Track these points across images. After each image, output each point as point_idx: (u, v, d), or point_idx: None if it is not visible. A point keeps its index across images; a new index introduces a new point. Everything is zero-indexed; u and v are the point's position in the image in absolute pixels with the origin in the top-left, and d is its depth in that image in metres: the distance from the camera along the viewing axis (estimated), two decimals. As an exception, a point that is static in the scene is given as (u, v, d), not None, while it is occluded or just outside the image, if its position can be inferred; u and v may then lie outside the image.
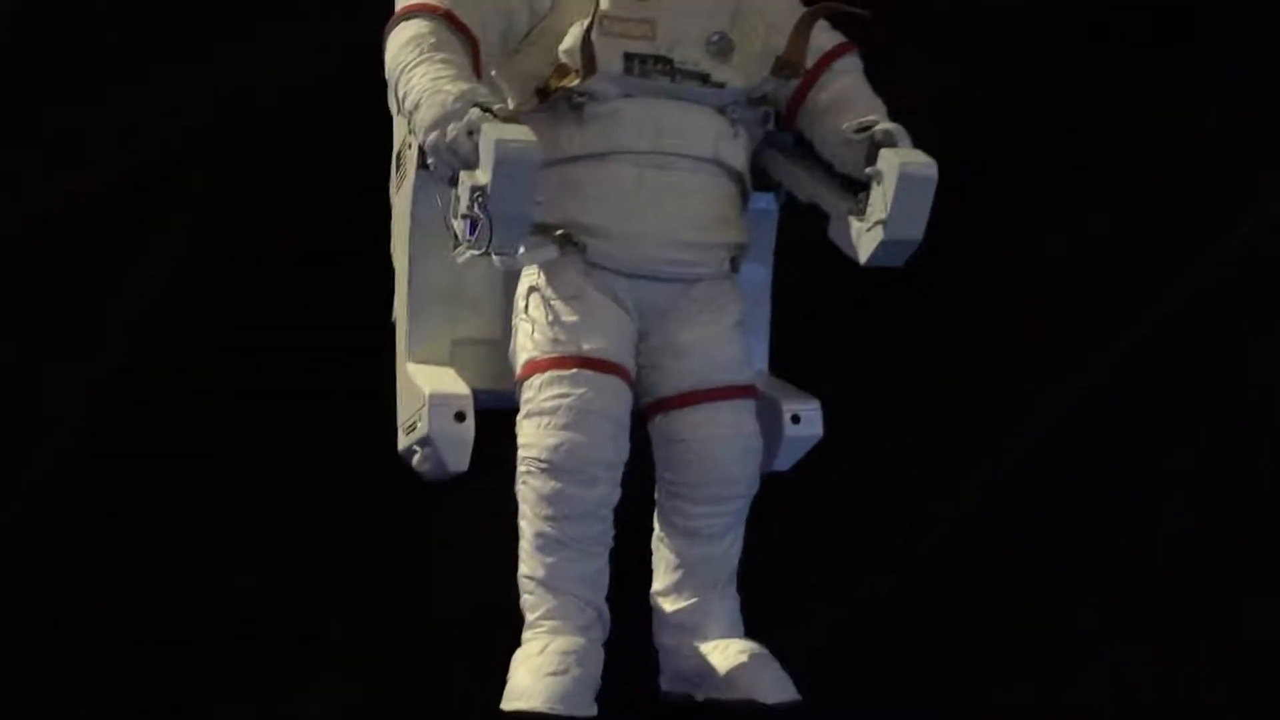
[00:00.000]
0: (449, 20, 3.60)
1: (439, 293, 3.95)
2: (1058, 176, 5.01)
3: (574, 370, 3.64)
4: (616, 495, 3.68)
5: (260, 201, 4.88)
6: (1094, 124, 5.04)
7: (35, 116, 4.85)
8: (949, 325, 4.98)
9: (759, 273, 4.19)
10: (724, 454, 3.79)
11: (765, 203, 4.16)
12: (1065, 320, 4.92)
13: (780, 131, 4.00)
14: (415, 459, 3.83)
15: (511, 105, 3.73)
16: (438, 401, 3.73)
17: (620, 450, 3.67)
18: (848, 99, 3.84)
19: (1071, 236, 5.01)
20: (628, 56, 3.69)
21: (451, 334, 3.97)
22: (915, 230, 3.59)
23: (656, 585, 3.90)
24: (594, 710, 3.54)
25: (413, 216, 3.87)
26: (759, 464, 3.88)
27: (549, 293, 3.71)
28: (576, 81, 3.63)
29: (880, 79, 3.92)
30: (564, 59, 3.68)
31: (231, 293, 4.86)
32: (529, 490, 3.65)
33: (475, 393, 3.77)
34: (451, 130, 3.38)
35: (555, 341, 3.67)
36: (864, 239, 3.66)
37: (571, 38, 3.66)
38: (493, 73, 3.74)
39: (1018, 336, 4.92)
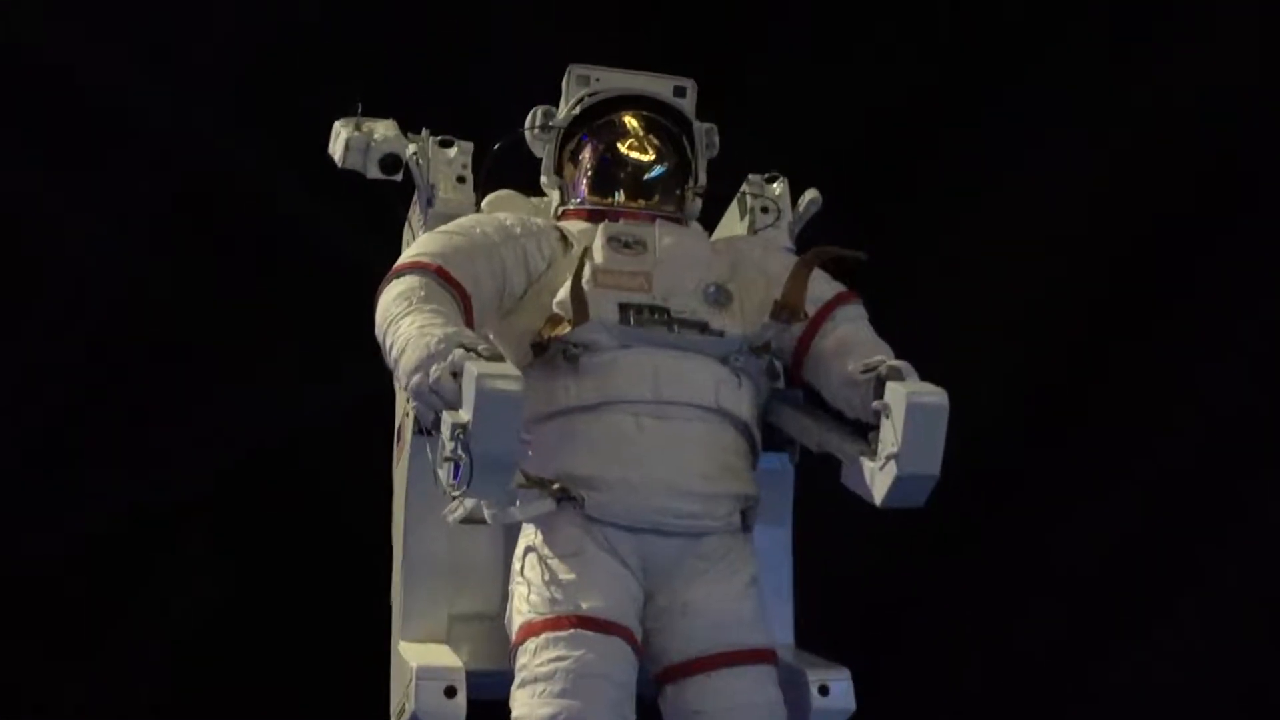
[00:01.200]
0: (440, 275, 3.52)
1: (435, 564, 3.75)
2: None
3: (571, 631, 3.39)
4: None
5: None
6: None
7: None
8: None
9: (777, 535, 3.96)
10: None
11: (780, 463, 3.96)
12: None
13: (790, 388, 3.85)
14: None
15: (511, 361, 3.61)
16: (425, 675, 3.48)
17: (622, 718, 3.39)
18: (852, 343, 3.68)
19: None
20: (623, 307, 3.59)
21: (450, 608, 3.74)
22: (930, 464, 3.37)
23: None
24: None
25: (408, 484, 3.72)
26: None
27: (546, 551, 3.49)
28: (568, 329, 3.51)
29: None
30: (556, 309, 3.57)
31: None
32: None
33: (477, 674, 3.53)
34: (435, 371, 3.24)
35: (552, 602, 3.44)
36: (878, 478, 3.44)
37: (564, 289, 3.57)
38: (490, 335, 3.63)
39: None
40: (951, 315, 5.02)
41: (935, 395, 3.38)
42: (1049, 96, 5.38)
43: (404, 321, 3.38)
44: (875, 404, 3.43)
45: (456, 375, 3.20)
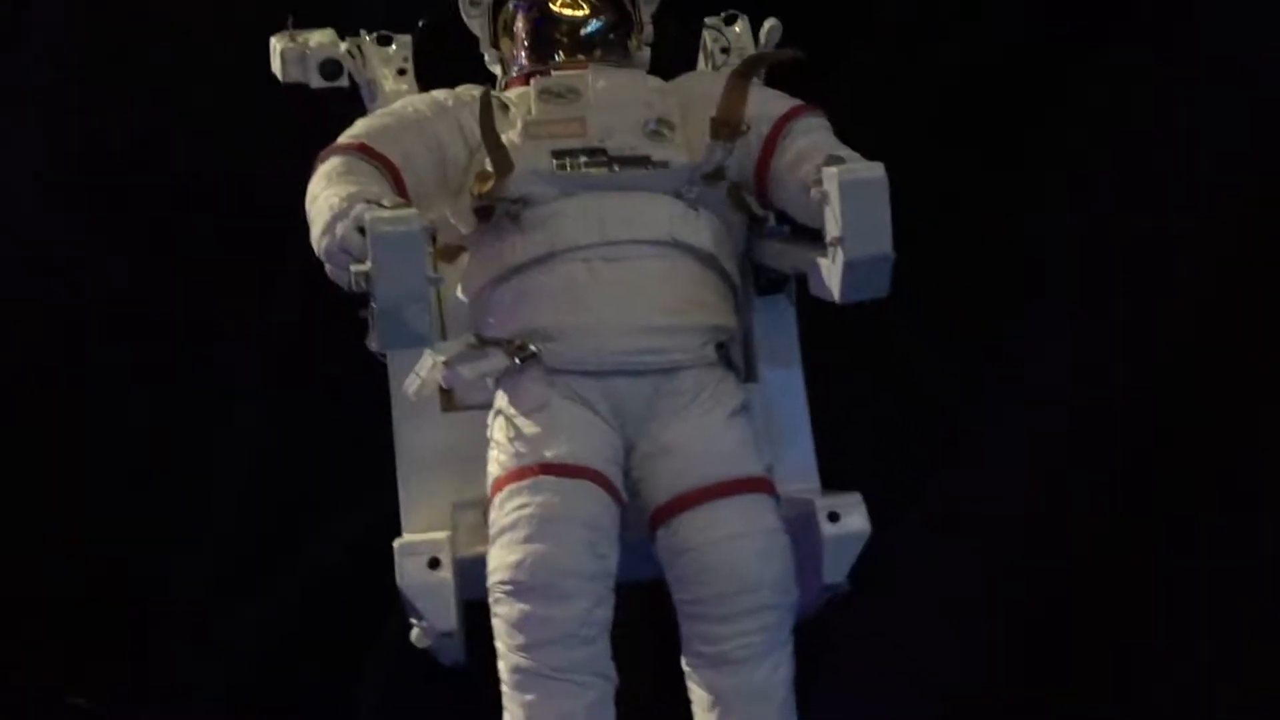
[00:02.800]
0: (363, 151, 3.48)
1: (431, 454, 3.68)
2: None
3: (533, 479, 3.29)
4: (603, 613, 3.25)
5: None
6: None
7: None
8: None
9: (788, 378, 3.81)
10: (739, 556, 3.32)
11: (779, 304, 3.83)
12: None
13: (779, 225, 3.67)
14: (416, 636, 3.48)
15: (465, 232, 3.55)
16: (405, 550, 3.42)
17: (600, 559, 3.26)
18: (809, 152, 3.47)
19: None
20: (557, 154, 3.49)
21: (454, 497, 3.64)
22: (878, 243, 3.19)
23: None
24: None
25: (390, 375, 3.67)
26: (790, 568, 3.38)
27: (511, 411, 3.41)
28: (491, 184, 3.42)
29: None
30: (475, 183, 3.47)
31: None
32: (499, 621, 3.26)
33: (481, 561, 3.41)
34: (339, 229, 3.20)
35: (517, 455, 3.35)
36: (832, 272, 3.26)
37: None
38: (447, 212, 3.58)
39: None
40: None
41: (869, 169, 3.20)
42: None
43: (320, 197, 3.34)
44: (813, 193, 3.26)
45: (362, 230, 3.13)
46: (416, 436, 3.68)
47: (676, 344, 3.42)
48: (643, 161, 3.50)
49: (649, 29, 3.82)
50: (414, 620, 3.47)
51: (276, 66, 3.90)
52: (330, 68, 3.87)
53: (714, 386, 3.45)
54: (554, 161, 3.48)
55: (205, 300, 4.98)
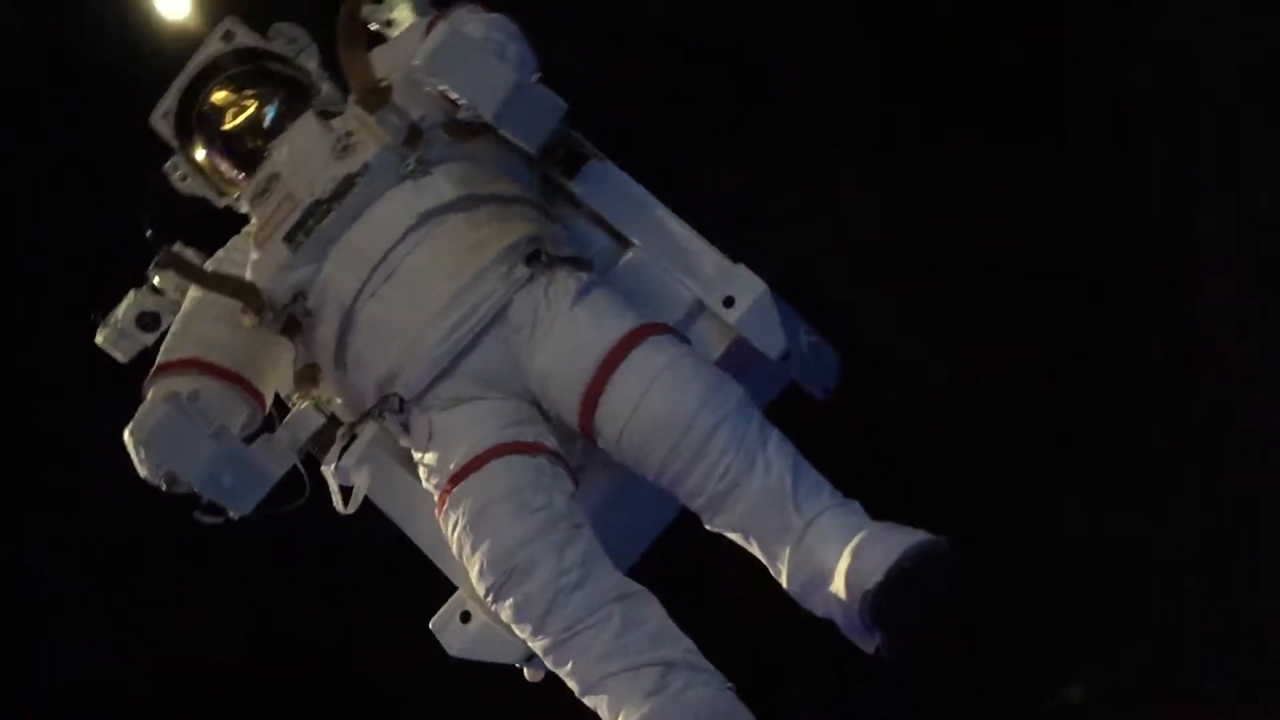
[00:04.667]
0: (160, 373, 3.64)
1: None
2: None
3: (449, 497, 3.32)
4: (574, 554, 3.22)
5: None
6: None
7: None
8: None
9: (651, 219, 3.67)
10: (656, 408, 3.24)
11: (601, 169, 3.70)
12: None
13: None
14: (530, 675, 3.53)
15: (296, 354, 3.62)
16: (438, 626, 3.53)
17: (537, 512, 3.25)
18: None
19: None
20: (288, 237, 3.50)
21: None
22: (495, 94, 3.20)
23: (774, 573, 3.25)
24: None
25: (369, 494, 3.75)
26: (712, 377, 3.29)
27: (419, 455, 3.45)
28: (254, 321, 3.51)
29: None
30: (246, 321, 3.55)
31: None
32: (508, 626, 3.29)
33: None
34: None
35: (436, 487, 3.38)
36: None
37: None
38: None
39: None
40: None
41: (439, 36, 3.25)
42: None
43: None
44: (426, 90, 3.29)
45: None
46: (420, 523, 3.72)
47: (481, 292, 3.38)
48: (349, 181, 3.48)
49: (315, 70, 3.81)
50: (518, 665, 3.51)
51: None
52: (147, 320, 3.90)
53: (545, 294, 3.38)
54: (287, 246, 3.50)
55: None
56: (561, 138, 3.62)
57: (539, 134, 3.33)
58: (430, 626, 3.53)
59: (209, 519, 3.35)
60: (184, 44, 3.97)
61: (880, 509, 3.20)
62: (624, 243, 3.69)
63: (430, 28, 3.55)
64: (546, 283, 3.39)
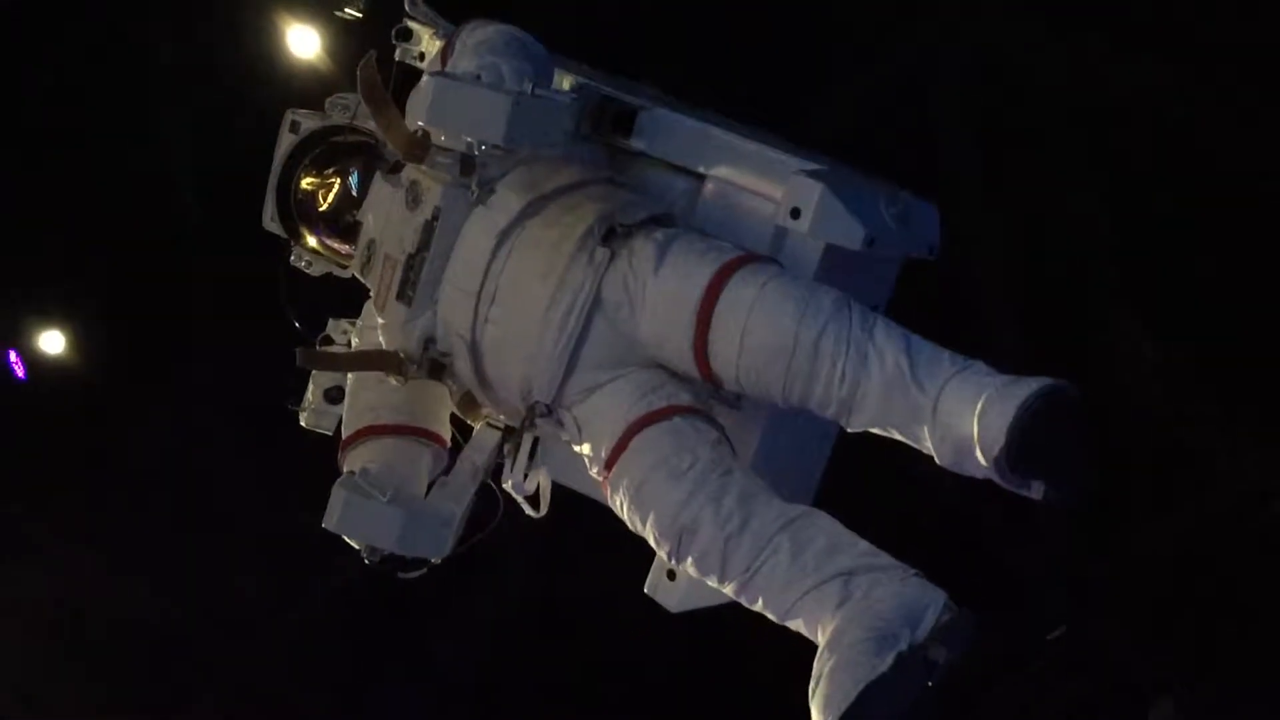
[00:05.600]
0: (346, 447, 3.93)
1: None
2: None
3: (609, 480, 3.52)
4: (728, 494, 3.34)
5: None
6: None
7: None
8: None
9: (713, 145, 3.77)
10: (759, 336, 3.35)
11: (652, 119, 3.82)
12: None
13: None
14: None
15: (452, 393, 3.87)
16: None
17: (684, 477, 3.39)
18: None
19: None
20: (400, 294, 3.71)
21: None
22: (496, 125, 3.40)
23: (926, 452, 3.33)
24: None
25: None
26: (805, 290, 3.37)
27: (577, 450, 3.65)
28: (402, 381, 3.76)
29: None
30: (395, 382, 3.79)
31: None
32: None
33: None
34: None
35: (598, 475, 3.58)
36: None
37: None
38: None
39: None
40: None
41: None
42: None
43: None
44: None
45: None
46: None
47: (572, 287, 3.53)
48: (429, 228, 3.66)
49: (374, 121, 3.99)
50: None
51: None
52: (333, 394, 4.13)
53: (630, 267, 3.52)
54: (402, 304, 3.72)
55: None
56: (600, 109, 3.76)
57: (555, 134, 3.47)
58: (646, 591, 3.75)
59: (414, 574, 3.65)
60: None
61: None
62: (700, 177, 3.79)
63: (444, 56, 3.72)
64: (628, 255, 3.52)
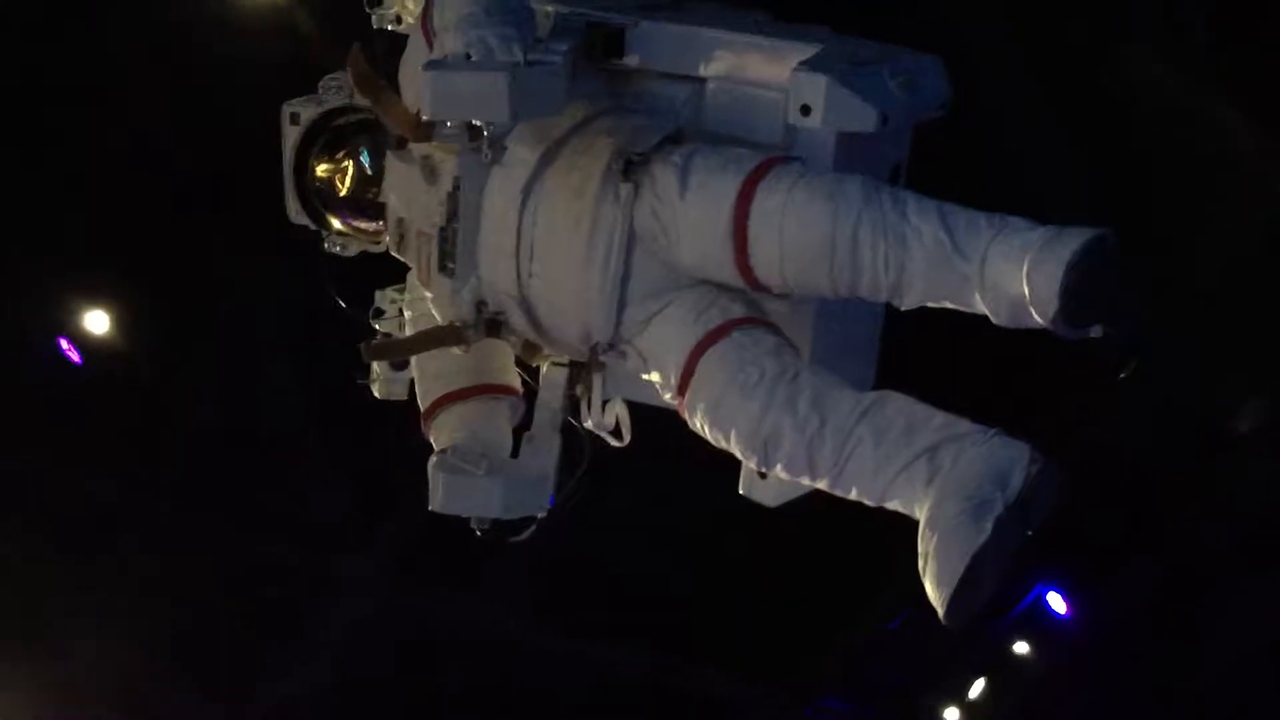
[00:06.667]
0: (429, 416, 4.08)
1: None
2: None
3: (684, 405, 3.61)
4: (802, 397, 3.41)
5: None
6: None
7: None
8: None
9: (710, 48, 3.77)
10: (796, 240, 3.41)
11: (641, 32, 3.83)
12: None
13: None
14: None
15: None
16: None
17: (755, 390, 3.47)
18: None
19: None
20: (441, 268, 3.78)
21: None
22: (499, 104, 3.40)
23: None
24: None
25: None
26: (830, 188, 3.40)
27: (647, 379, 3.74)
28: (465, 348, 3.84)
29: None
30: (459, 351, 3.88)
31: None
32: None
33: None
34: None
35: (673, 400, 3.67)
36: None
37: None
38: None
39: None
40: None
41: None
42: None
43: None
44: None
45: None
46: None
47: (605, 228, 3.60)
48: (453, 199, 3.70)
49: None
50: None
51: None
52: (398, 363, 4.25)
53: (655, 196, 3.56)
54: (445, 276, 3.78)
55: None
56: (588, 38, 3.77)
57: (558, 100, 3.47)
58: (741, 492, 3.89)
59: (524, 536, 3.80)
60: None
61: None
62: (701, 80, 3.81)
63: (424, 23, 3.72)
64: (651, 184, 3.56)
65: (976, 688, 6.74)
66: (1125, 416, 5.60)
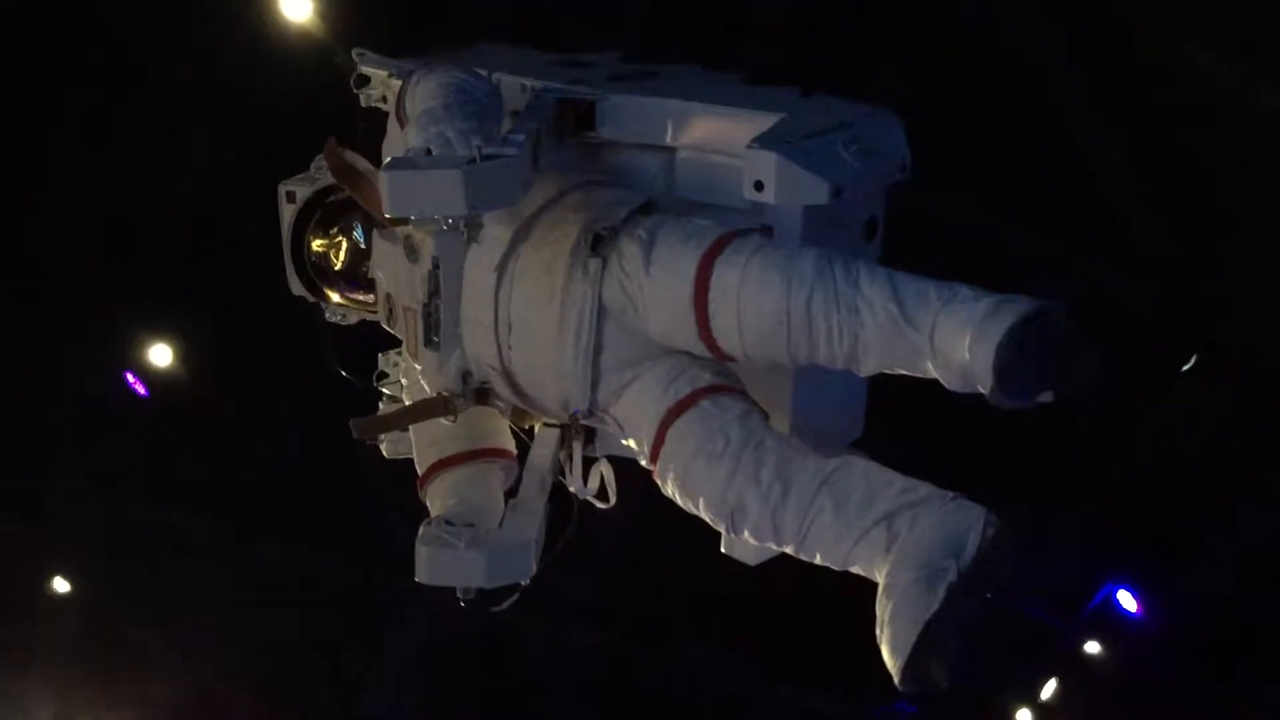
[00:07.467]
0: (423, 483, 4.19)
1: None
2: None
3: (656, 473, 3.70)
4: (765, 466, 3.49)
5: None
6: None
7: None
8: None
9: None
10: (751, 310, 3.46)
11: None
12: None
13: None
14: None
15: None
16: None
17: (721, 459, 3.55)
18: None
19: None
20: (427, 342, 3.89)
21: None
22: (455, 199, 3.44)
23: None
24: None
25: None
26: (790, 256, 3.46)
27: (624, 444, 3.82)
28: (455, 418, 3.95)
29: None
30: (449, 421, 3.99)
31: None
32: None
33: None
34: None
35: (647, 467, 3.75)
36: None
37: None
38: None
39: None
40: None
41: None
42: None
43: None
44: None
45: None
46: None
47: (575, 303, 3.69)
48: (434, 277, 3.81)
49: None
50: None
51: None
52: None
53: (622, 270, 3.64)
54: (430, 350, 3.89)
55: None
56: (559, 114, 3.80)
57: (516, 191, 3.53)
58: (723, 551, 3.97)
59: (508, 604, 3.87)
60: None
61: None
62: (671, 149, 3.86)
63: (399, 107, 3.84)
64: (618, 259, 3.64)
65: (1048, 689, 6.69)
66: (1197, 408, 5.51)
